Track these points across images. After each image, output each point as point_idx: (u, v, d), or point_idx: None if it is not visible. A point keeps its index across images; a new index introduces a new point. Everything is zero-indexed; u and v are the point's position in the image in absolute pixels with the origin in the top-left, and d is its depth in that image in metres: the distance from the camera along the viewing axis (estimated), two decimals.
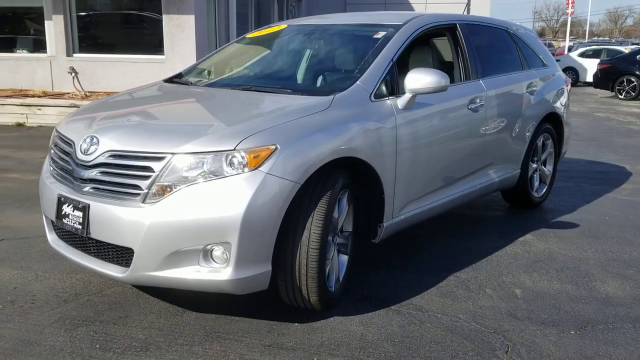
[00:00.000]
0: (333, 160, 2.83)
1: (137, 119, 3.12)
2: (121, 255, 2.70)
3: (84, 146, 2.81)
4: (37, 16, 11.43)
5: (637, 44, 35.40)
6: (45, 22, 11.21)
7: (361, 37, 3.94)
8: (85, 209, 2.71)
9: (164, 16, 10.62)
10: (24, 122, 9.33)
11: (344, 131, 2.94)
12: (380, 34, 3.64)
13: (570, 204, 5.15)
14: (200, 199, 2.53)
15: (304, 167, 2.68)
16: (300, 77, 3.81)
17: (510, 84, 4.42)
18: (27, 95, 10.06)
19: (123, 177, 2.68)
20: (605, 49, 22.47)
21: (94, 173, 2.75)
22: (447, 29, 4.10)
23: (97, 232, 2.70)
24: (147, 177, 2.61)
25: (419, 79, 3.22)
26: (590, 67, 20.27)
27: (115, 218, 2.63)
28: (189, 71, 4.19)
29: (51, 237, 3.12)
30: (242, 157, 2.57)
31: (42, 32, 11.35)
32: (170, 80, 4.04)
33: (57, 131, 3.20)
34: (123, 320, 2.88)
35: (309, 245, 2.70)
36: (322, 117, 2.91)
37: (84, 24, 11.35)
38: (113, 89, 10.30)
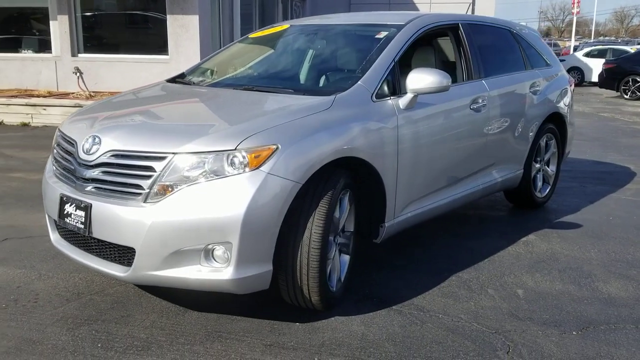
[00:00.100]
0: (334, 160, 2.84)
1: (139, 118, 3.14)
2: (123, 254, 2.71)
3: (86, 146, 2.83)
4: (42, 16, 11.47)
5: None
6: (50, 22, 11.25)
7: (363, 37, 3.94)
8: (87, 208, 2.73)
9: (168, 16, 10.64)
10: (29, 122, 9.38)
11: (345, 131, 2.94)
12: (382, 34, 3.64)
13: (574, 204, 5.14)
14: (202, 198, 2.54)
15: (305, 167, 2.68)
16: (302, 77, 3.82)
17: (513, 84, 4.41)
18: (32, 95, 10.10)
19: (125, 177, 2.69)
20: (610, 48, 22.39)
21: (96, 173, 2.77)
22: (449, 28, 4.09)
23: (99, 232, 2.72)
24: (148, 177, 2.62)
25: (420, 79, 3.21)
26: (596, 67, 20.22)
27: (117, 217, 2.64)
28: (192, 71, 4.20)
29: (54, 237, 3.13)
30: (243, 157, 2.58)
31: (47, 32, 11.39)
32: (173, 80, 4.05)
33: (59, 131, 3.22)
34: (125, 320, 2.90)
35: (310, 245, 2.70)
36: (323, 117, 2.92)
37: (88, 24, 11.40)
38: (117, 88, 10.33)
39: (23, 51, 11.67)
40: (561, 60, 19.39)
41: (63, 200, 2.87)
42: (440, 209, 3.77)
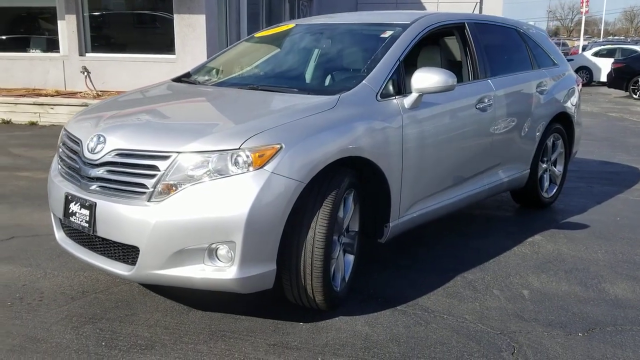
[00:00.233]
0: (339, 160, 2.83)
1: (144, 117, 3.14)
2: (127, 253, 2.71)
3: (91, 145, 2.83)
4: (50, 16, 11.53)
5: None
6: (58, 22, 11.30)
7: (368, 36, 3.93)
8: (92, 207, 2.73)
9: (175, 16, 10.67)
10: (37, 121, 9.43)
11: (349, 130, 2.93)
12: (387, 33, 3.63)
13: (581, 204, 5.10)
14: (205, 197, 2.54)
15: (309, 166, 2.67)
16: (307, 76, 3.81)
17: (519, 84, 4.39)
18: (40, 95, 10.16)
19: (129, 176, 2.69)
20: (619, 48, 22.24)
21: (100, 171, 2.77)
22: (455, 28, 4.08)
23: (104, 231, 2.72)
24: (152, 176, 2.62)
25: (425, 78, 3.20)
26: (605, 67, 20.10)
27: (121, 216, 2.64)
28: (197, 70, 4.20)
29: (59, 235, 3.14)
30: (247, 156, 2.57)
31: (55, 32, 11.45)
32: (178, 79, 4.05)
33: (65, 130, 3.23)
34: (129, 318, 2.90)
35: (314, 245, 2.70)
36: (327, 116, 2.91)
37: (96, 24, 11.45)
38: (125, 88, 10.35)
39: (31, 51, 11.74)
40: (569, 60, 19.32)
41: (68, 199, 2.88)
42: (445, 209, 3.76)
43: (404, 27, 3.66)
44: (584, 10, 32.32)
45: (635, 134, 9.48)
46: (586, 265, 3.73)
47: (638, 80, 16.00)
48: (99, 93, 10.53)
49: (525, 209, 4.94)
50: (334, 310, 2.96)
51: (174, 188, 2.58)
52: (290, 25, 4.44)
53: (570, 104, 4.97)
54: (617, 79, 16.58)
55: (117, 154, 2.74)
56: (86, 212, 2.76)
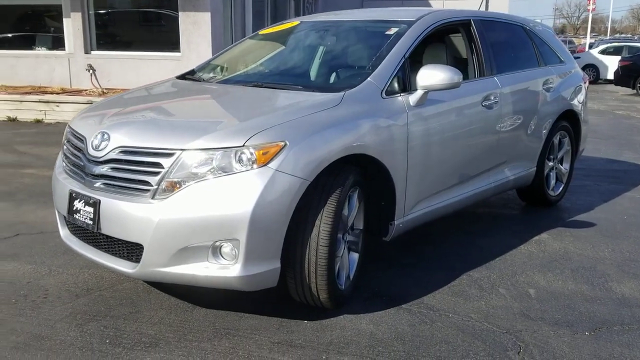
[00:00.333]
0: (343, 157, 2.81)
1: (148, 115, 3.13)
2: (131, 251, 2.71)
3: (95, 142, 2.83)
4: (55, 14, 11.55)
5: None
6: (64, 19, 11.33)
7: (373, 33, 3.91)
8: (96, 204, 2.73)
9: (180, 13, 10.67)
10: (43, 119, 9.45)
11: (354, 127, 2.91)
12: (392, 30, 3.61)
13: (588, 202, 5.07)
14: (209, 195, 2.53)
15: (313, 163, 2.66)
16: (311, 73, 3.79)
17: (525, 81, 4.36)
18: (45, 92, 10.18)
19: (133, 173, 2.69)
20: (626, 45, 22.12)
21: (104, 169, 2.77)
22: (461, 25, 4.05)
23: (108, 228, 2.72)
24: (156, 173, 2.61)
25: (431, 76, 3.18)
26: (611, 65, 19.98)
27: (125, 214, 2.64)
28: (202, 68, 4.19)
29: (63, 233, 3.14)
30: (251, 154, 2.56)
31: (60, 30, 11.47)
32: (182, 77, 4.05)
33: (69, 127, 3.23)
34: (133, 316, 2.90)
35: (319, 243, 2.68)
36: (332, 113, 2.89)
37: (101, 22, 11.47)
38: (130, 85, 10.32)
39: (37, 48, 11.77)
40: (576, 58, 19.18)
41: (72, 197, 2.88)
42: (451, 207, 3.73)
43: (409, 24, 3.63)
44: (590, 7, 32.16)
45: None
46: (593, 263, 3.70)
47: None
48: (104, 91, 10.55)
49: (532, 207, 4.91)
50: (338, 308, 2.95)
51: (178, 185, 2.57)
52: (295, 22, 4.42)
53: (577, 102, 4.93)
54: (624, 77, 16.49)
55: (121, 151, 2.73)
56: (90, 209, 2.76)
